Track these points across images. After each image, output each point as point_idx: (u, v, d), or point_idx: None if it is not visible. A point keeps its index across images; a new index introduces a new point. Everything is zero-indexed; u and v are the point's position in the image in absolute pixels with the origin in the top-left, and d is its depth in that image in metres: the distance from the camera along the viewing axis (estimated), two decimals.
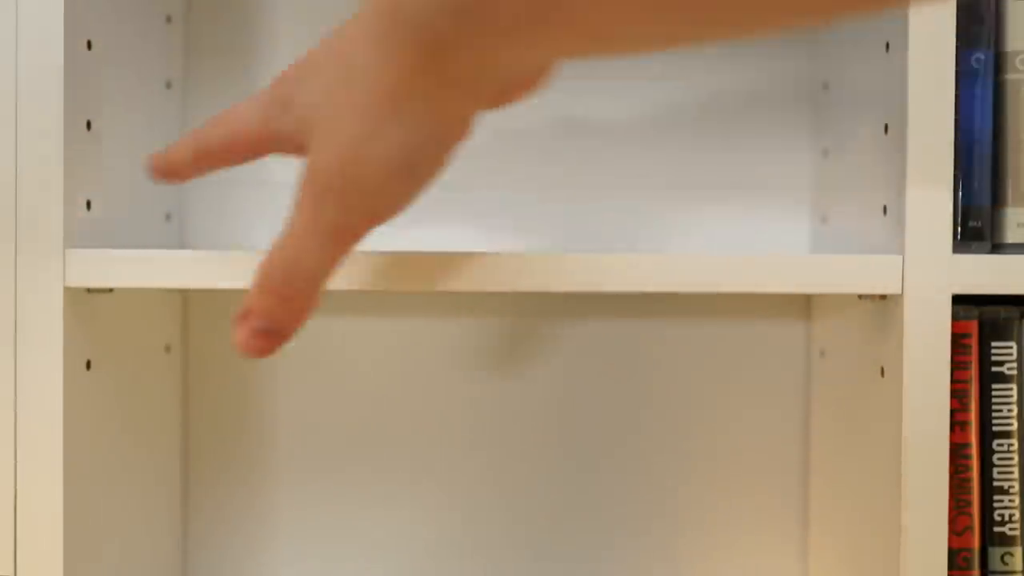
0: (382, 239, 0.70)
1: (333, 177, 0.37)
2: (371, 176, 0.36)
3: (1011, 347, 0.56)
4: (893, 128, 0.55)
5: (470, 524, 0.72)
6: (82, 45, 0.53)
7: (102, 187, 0.56)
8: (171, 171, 0.47)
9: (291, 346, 0.71)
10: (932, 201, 0.53)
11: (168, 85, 0.67)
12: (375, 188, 0.37)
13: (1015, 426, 0.56)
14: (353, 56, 0.36)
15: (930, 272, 0.53)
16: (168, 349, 0.68)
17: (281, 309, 0.39)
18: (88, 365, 0.55)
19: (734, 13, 0.29)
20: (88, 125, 0.54)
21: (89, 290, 0.54)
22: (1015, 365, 0.56)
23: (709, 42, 0.32)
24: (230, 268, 0.51)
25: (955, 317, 0.55)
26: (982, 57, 0.55)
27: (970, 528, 0.56)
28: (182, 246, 0.70)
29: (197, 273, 0.51)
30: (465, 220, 0.71)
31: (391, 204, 0.38)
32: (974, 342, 0.56)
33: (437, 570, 0.72)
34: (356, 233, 0.38)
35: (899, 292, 0.53)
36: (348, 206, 0.37)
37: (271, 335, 0.40)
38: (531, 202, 0.71)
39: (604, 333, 0.71)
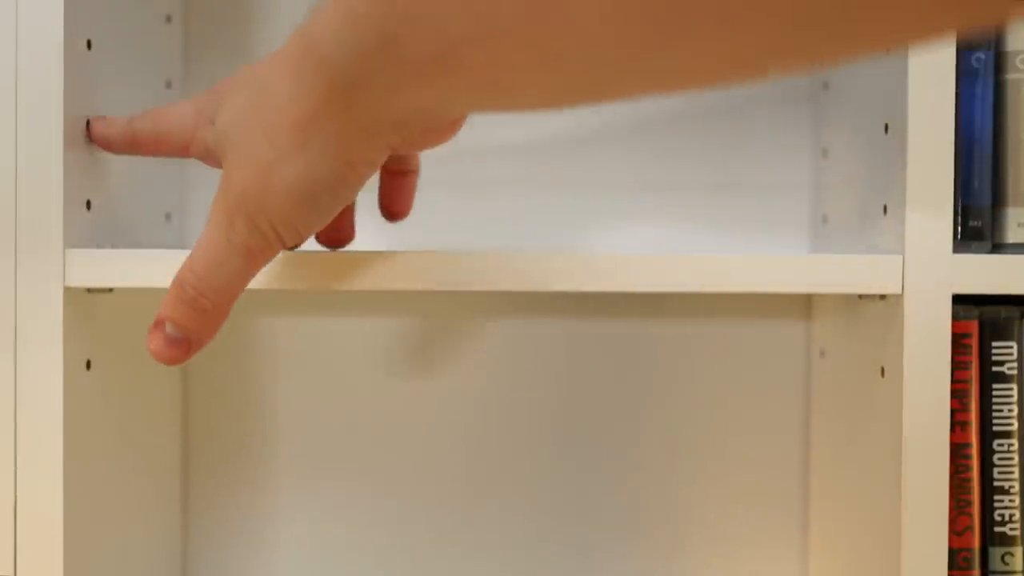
0: (382, 238, 0.71)
1: (242, 197, 0.39)
2: (276, 201, 0.38)
3: (1011, 347, 0.56)
4: (893, 128, 0.55)
5: (470, 525, 0.72)
6: (82, 45, 0.53)
7: (102, 187, 0.56)
8: (105, 142, 0.51)
9: (291, 346, 0.71)
10: (932, 201, 0.53)
11: (168, 85, 0.67)
12: (279, 213, 0.39)
13: (1015, 426, 0.56)
14: (271, 83, 0.38)
15: (930, 272, 0.53)
16: None
17: (194, 320, 0.41)
18: (88, 365, 0.55)
19: (631, 76, 0.30)
20: (88, 125, 0.54)
21: (89, 290, 0.54)
22: (1015, 365, 0.56)
23: (613, 100, 0.34)
24: None
25: (955, 317, 0.55)
26: (982, 57, 0.55)
27: (970, 528, 0.56)
28: (182, 246, 0.70)
29: None
30: (465, 219, 0.71)
31: (295, 229, 0.40)
32: (974, 342, 0.56)
33: (438, 570, 0.72)
34: (266, 252, 0.40)
35: (899, 292, 0.53)
36: (256, 226, 0.39)
37: (184, 343, 0.41)
38: (528, 200, 0.71)
39: (604, 333, 0.71)
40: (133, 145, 0.50)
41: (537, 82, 0.32)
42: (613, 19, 0.28)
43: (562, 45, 0.30)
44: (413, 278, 0.51)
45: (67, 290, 0.52)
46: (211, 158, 0.42)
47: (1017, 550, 0.56)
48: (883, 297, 0.56)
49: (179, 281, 0.41)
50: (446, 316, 0.71)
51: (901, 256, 0.53)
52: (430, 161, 0.71)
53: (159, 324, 0.41)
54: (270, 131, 0.38)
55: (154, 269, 0.51)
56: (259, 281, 0.51)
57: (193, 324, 0.41)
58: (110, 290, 0.57)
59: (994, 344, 0.56)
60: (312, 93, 0.37)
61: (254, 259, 0.40)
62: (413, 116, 0.37)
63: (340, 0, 0.35)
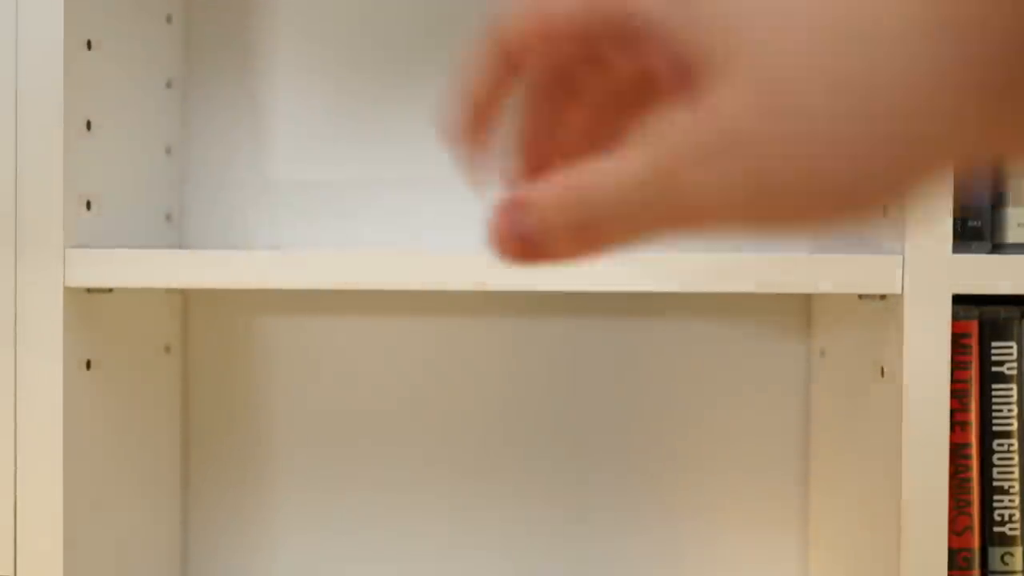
0: (382, 239, 0.70)
1: (732, 138, 0.24)
2: (802, 163, 0.24)
3: (1011, 347, 0.56)
4: None
5: (469, 522, 0.72)
6: (82, 45, 0.53)
7: (102, 187, 0.56)
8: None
9: (291, 346, 0.71)
10: (932, 201, 0.53)
11: (168, 85, 0.67)
12: (793, 179, 0.24)
13: (1015, 426, 0.56)
14: (864, 17, 0.23)
15: (930, 272, 0.53)
16: (168, 349, 0.68)
17: (564, 233, 0.28)
18: (88, 365, 0.55)
19: None
20: (88, 125, 0.54)
21: (89, 290, 0.54)
22: (1015, 365, 0.56)
23: None
24: (230, 268, 0.51)
25: (955, 317, 0.55)
26: None
27: (970, 528, 0.56)
28: (182, 246, 0.70)
29: (197, 273, 0.51)
30: (464, 219, 0.71)
31: (792, 216, 0.25)
32: (974, 342, 0.56)
33: (437, 568, 0.72)
34: (707, 216, 0.26)
35: (899, 292, 0.53)
36: (736, 184, 0.24)
37: (530, 247, 0.28)
38: None
39: (605, 333, 0.71)
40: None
41: None
42: None
43: None
44: (412, 278, 0.51)
45: (67, 290, 0.52)
46: (649, 52, 0.26)
47: (1017, 550, 0.56)
48: (883, 297, 0.56)
49: (577, 179, 0.27)
50: (447, 316, 0.71)
51: (901, 256, 0.53)
52: (428, 161, 0.71)
53: (519, 205, 0.28)
54: (841, 77, 0.23)
55: (154, 269, 0.51)
56: (259, 281, 0.51)
57: (557, 237, 0.27)
58: (110, 290, 0.57)
59: (994, 344, 0.56)
60: (952, 78, 0.22)
61: (689, 217, 0.26)
62: None
63: None
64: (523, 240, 0.28)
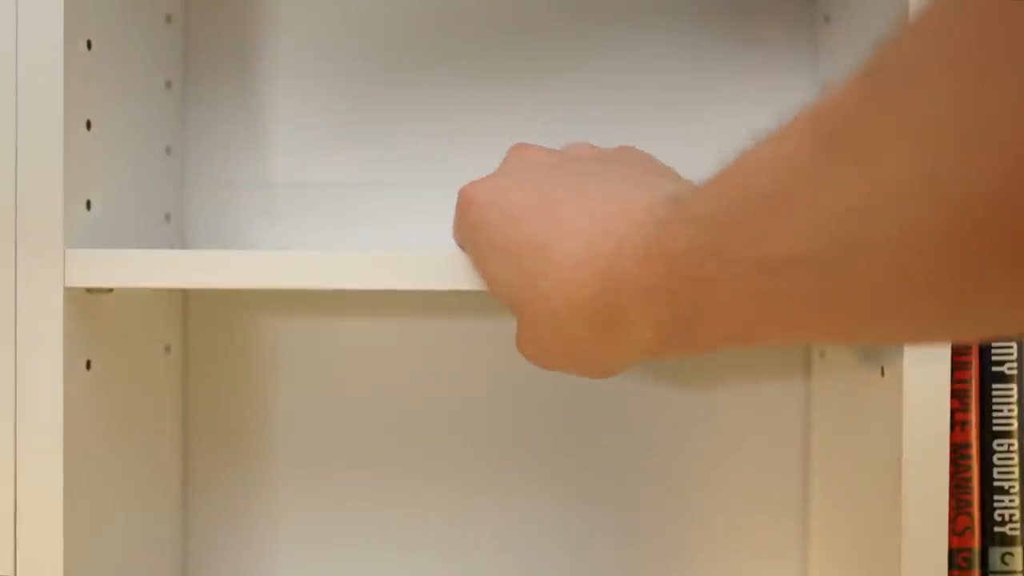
0: (382, 239, 0.70)
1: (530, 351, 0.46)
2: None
3: (1011, 347, 0.56)
4: None
5: (470, 525, 0.72)
6: (82, 45, 0.53)
7: (102, 187, 0.56)
8: None
9: (291, 346, 0.71)
10: None
11: (168, 85, 0.67)
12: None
13: (1015, 426, 0.56)
14: (562, 316, 0.42)
15: None
16: (168, 349, 0.68)
17: None
18: (88, 365, 0.55)
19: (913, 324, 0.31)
20: (88, 125, 0.54)
21: (89, 290, 0.54)
22: (1015, 365, 0.56)
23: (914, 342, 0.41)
24: (230, 268, 0.51)
25: None
26: None
27: (970, 528, 0.56)
28: (182, 246, 0.70)
29: (197, 273, 0.51)
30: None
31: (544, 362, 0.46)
32: None
33: (439, 570, 0.72)
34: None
35: None
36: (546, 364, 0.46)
37: None
38: None
39: None
40: None
41: (827, 338, 0.37)
42: (884, 320, 0.30)
43: (849, 329, 0.32)
44: (412, 278, 0.51)
45: (67, 290, 0.52)
46: None
47: (1017, 550, 0.56)
48: None
49: None
50: (446, 316, 0.71)
51: None
52: (428, 162, 0.71)
53: None
54: (554, 350, 0.43)
55: (154, 269, 0.51)
56: (259, 281, 0.51)
57: None
58: (110, 290, 0.57)
59: (994, 344, 0.56)
60: (610, 347, 0.41)
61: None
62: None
63: (648, 269, 0.37)
64: None
